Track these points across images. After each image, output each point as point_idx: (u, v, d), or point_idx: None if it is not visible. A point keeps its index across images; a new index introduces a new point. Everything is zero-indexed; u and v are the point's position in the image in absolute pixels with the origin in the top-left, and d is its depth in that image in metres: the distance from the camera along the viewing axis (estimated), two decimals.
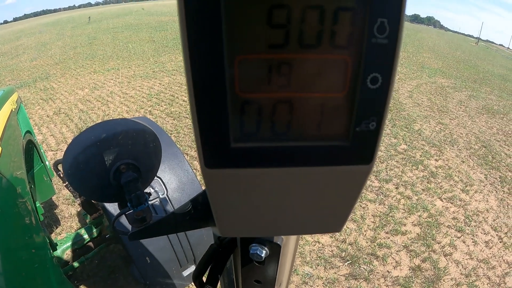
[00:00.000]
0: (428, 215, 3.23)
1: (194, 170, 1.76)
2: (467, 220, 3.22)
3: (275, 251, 0.51)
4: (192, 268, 1.76)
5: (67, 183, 2.08)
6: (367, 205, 3.28)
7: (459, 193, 3.67)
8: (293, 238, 0.55)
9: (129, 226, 0.66)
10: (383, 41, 0.24)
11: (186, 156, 3.43)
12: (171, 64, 8.98)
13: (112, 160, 0.62)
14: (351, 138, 0.28)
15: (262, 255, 0.49)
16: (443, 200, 3.50)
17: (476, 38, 61.40)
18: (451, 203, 3.46)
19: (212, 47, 0.24)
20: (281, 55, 0.25)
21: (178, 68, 8.45)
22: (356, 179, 0.32)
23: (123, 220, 1.32)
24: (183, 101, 5.89)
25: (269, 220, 0.36)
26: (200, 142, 0.27)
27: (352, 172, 0.30)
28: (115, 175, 0.62)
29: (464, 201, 3.53)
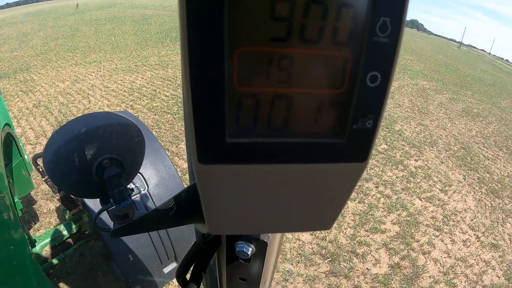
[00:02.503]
0: (407, 214, 3.30)
1: (175, 166, 1.74)
2: (446, 220, 3.32)
3: (262, 248, 0.51)
4: (173, 265, 1.74)
5: (46, 177, 2.02)
6: (347, 204, 3.32)
7: (438, 193, 3.77)
8: (278, 235, 0.55)
9: (110, 223, 0.64)
10: (384, 40, 0.24)
11: (167, 152, 3.39)
12: (154, 58, 8.83)
13: (95, 155, 0.60)
14: (347, 136, 0.28)
15: (249, 252, 0.49)
16: (422, 199, 3.59)
17: (459, 42, 62.86)
18: (430, 203, 3.56)
19: (212, 37, 0.23)
20: (282, 49, 0.24)
21: (160, 62, 8.33)
22: (350, 177, 0.32)
23: (104, 216, 1.30)
24: (165, 96, 5.82)
25: (262, 217, 0.36)
26: (194, 136, 0.26)
27: (347, 170, 0.31)
28: (98, 170, 0.60)
29: (443, 201, 3.63)
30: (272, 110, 0.27)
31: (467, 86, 11.07)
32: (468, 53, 40.13)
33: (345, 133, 0.28)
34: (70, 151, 0.58)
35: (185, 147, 3.82)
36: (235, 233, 0.39)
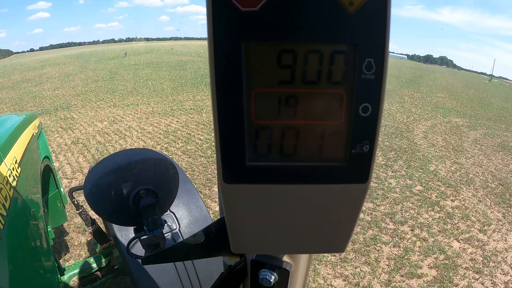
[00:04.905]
0: (444, 257, 3.11)
1: (207, 208, 1.77)
2: (486, 261, 3.09)
3: (284, 277, 0.52)
4: None
5: (80, 210, 2.11)
6: (381, 248, 3.18)
7: (477, 233, 3.54)
8: (302, 265, 0.56)
9: (140, 254, 0.67)
10: (371, 76, 0.29)
11: (200, 194, 3.42)
12: (189, 103, 9.08)
13: (133, 185, 0.65)
14: (348, 160, 0.32)
15: (271, 280, 0.51)
16: (460, 241, 3.38)
17: (489, 75, 61.15)
18: (469, 244, 3.34)
19: (234, 82, 0.29)
20: (288, 89, 0.31)
21: (195, 107, 8.55)
22: (354, 197, 0.35)
23: (134, 249, 1.32)
24: (199, 139, 5.93)
25: (277, 237, 0.39)
26: (220, 160, 0.32)
27: (350, 191, 0.35)
28: (135, 199, 0.65)
29: (482, 241, 3.40)
30: (283, 139, 0.32)
31: (502, 120, 10.65)
32: (499, 85, 38.89)
33: (345, 157, 0.32)
34: (110, 180, 0.64)
35: (217, 189, 3.84)
36: (255, 252, 0.43)
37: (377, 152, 5.19)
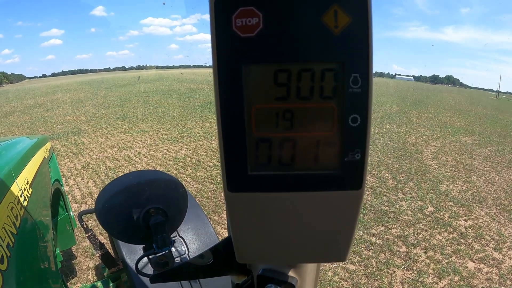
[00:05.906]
0: (460, 278, 3.01)
1: (217, 235, 1.76)
2: (502, 280, 2.99)
3: None
4: None
5: (89, 234, 2.11)
6: (394, 271, 3.09)
7: (492, 252, 3.44)
8: (309, 281, 0.56)
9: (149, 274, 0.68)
10: (358, 90, 0.32)
11: (209, 220, 3.41)
12: (198, 130, 9.10)
13: (143, 204, 0.67)
14: (341, 167, 0.35)
15: None
16: (475, 261, 3.28)
17: (496, 91, 60.51)
18: (484, 264, 3.24)
19: (236, 99, 0.33)
20: (285, 105, 0.34)
21: (204, 134, 8.56)
22: (350, 204, 0.37)
23: (143, 271, 1.32)
24: (209, 166, 5.91)
25: (279, 245, 0.41)
26: (224, 170, 0.35)
27: (346, 197, 0.37)
28: (145, 217, 0.67)
29: (498, 260, 3.30)
30: (281, 150, 0.35)
31: (511, 135, 10.52)
32: (507, 100, 38.23)
33: (339, 165, 0.35)
34: (121, 199, 0.66)
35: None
36: (258, 262, 0.44)
37: (387, 175, 5.07)
